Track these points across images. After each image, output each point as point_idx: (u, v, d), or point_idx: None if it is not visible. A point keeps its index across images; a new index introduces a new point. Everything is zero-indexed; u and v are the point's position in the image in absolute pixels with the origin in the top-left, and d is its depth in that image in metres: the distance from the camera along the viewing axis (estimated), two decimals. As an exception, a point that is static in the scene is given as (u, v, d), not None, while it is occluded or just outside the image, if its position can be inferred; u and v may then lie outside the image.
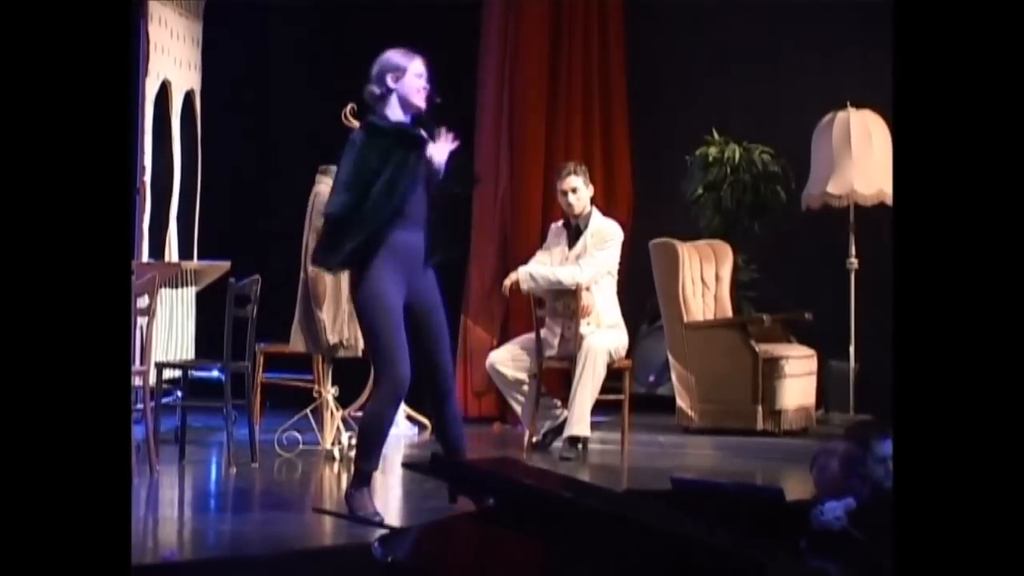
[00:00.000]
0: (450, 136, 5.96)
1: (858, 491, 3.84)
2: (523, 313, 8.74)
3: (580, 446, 8.06)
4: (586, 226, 8.20)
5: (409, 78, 5.97)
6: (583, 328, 8.07)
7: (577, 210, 8.19)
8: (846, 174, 9.43)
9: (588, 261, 8.12)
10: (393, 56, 6.03)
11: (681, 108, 10.26)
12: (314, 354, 7.92)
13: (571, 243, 8.24)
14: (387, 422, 6.01)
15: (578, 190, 8.17)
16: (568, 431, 8.01)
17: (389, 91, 5.98)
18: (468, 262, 9.50)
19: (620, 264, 8.28)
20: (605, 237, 8.17)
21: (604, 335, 8.07)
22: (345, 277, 7.70)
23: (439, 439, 6.18)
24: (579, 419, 7.97)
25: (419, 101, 5.98)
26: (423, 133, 5.98)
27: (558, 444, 8.17)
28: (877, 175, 9.34)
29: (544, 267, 8.18)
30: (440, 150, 5.91)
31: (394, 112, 5.99)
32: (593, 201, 8.28)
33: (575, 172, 8.19)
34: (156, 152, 9.25)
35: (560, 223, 8.40)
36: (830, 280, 9.56)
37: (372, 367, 6.46)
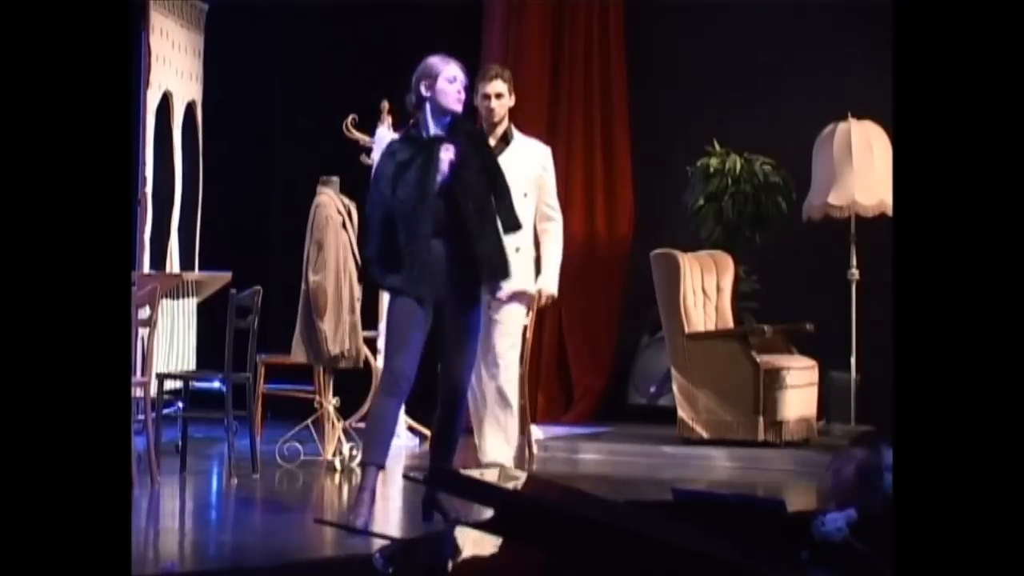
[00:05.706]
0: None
1: (868, 500, 3.84)
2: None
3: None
4: (510, 139, 7.16)
5: (441, 84, 5.98)
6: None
7: (496, 117, 7.12)
8: (847, 185, 9.42)
9: (551, 200, 7.24)
10: (427, 63, 6.04)
11: (682, 119, 10.25)
12: (315, 365, 7.91)
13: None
14: (384, 412, 5.97)
15: (502, 96, 7.11)
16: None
17: (423, 99, 5.99)
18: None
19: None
20: (546, 162, 7.27)
21: (511, 338, 7.08)
22: (346, 289, 7.72)
23: (430, 449, 6.20)
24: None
25: (454, 106, 5.99)
26: (440, 137, 5.98)
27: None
28: (878, 186, 9.33)
29: (550, 261, 7.18)
30: (450, 151, 5.92)
31: (431, 119, 6.00)
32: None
33: (501, 76, 7.17)
34: (157, 163, 9.26)
35: None
36: (831, 291, 9.54)
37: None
